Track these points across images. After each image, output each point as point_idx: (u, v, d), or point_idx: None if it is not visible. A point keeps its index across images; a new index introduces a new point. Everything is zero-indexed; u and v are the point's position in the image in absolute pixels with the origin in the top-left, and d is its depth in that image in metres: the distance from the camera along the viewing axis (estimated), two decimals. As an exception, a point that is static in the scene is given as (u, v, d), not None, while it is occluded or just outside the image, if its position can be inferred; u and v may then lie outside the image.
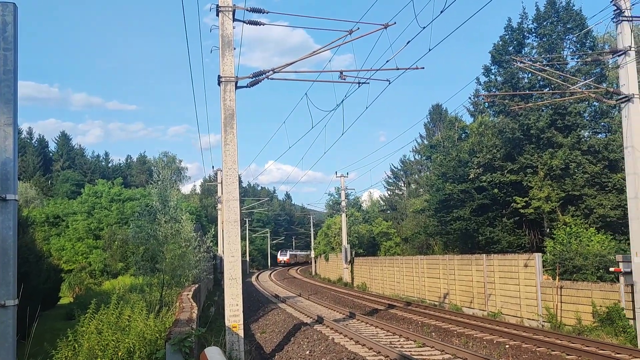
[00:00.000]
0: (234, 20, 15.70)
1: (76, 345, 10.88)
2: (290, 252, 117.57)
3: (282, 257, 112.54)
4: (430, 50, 15.55)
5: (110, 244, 51.90)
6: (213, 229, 36.07)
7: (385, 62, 17.07)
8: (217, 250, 48.97)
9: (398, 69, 16.90)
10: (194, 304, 15.49)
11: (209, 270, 39.65)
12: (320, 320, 23.99)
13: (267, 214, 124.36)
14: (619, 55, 17.30)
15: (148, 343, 10.58)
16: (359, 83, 17.42)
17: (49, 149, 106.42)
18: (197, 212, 72.43)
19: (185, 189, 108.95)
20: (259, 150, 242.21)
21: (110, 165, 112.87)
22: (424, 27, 14.32)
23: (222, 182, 47.69)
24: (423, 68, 17.31)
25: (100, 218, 57.18)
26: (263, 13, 16.13)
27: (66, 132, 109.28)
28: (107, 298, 15.41)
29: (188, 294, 18.98)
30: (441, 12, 13.52)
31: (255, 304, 33.41)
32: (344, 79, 16.84)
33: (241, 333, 14.68)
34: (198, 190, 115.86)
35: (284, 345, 18.79)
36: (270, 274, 79.93)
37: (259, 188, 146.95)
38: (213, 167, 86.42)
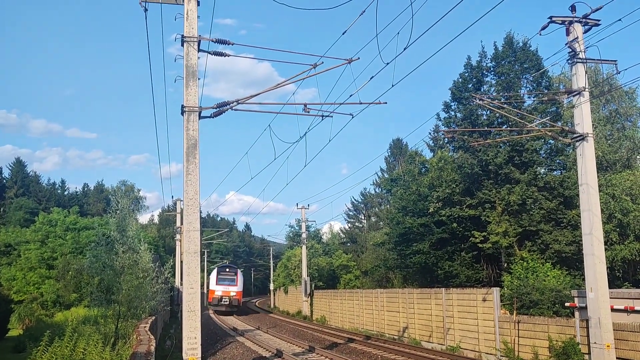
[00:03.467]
0: (199, 50, 15.71)
1: (27, 379, 10.48)
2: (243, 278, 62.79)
3: (220, 288, 57.17)
4: (393, 85, 15.80)
5: (64, 274, 50.41)
6: (171, 260, 35.53)
7: (349, 96, 17.26)
8: (175, 281, 48.10)
9: (361, 103, 17.11)
10: (152, 337, 15.13)
11: (166, 302, 38.90)
12: (279, 354, 23.68)
13: (227, 245, 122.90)
14: (574, 96, 17.85)
15: (103, 377, 10.26)
16: (322, 116, 17.55)
17: (3, 175, 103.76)
18: (155, 243, 71.23)
19: (143, 218, 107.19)
20: (221, 180, 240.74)
21: (66, 193, 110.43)
22: (388, 63, 14.57)
23: (181, 212, 47.20)
24: (386, 103, 17.56)
25: (54, 247, 55.65)
26: (228, 45, 16.17)
27: (22, 159, 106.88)
28: (59, 330, 14.93)
29: (145, 326, 18.54)
30: (404, 48, 13.78)
31: (213, 337, 32.80)
32: (308, 112, 16.95)
33: (199, 367, 14.34)
34: (156, 220, 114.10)
35: (242, 379, 18.45)
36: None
37: (219, 219, 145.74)
38: (173, 196, 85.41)
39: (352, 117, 17.95)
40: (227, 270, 59.81)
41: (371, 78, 16.19)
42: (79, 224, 59.65)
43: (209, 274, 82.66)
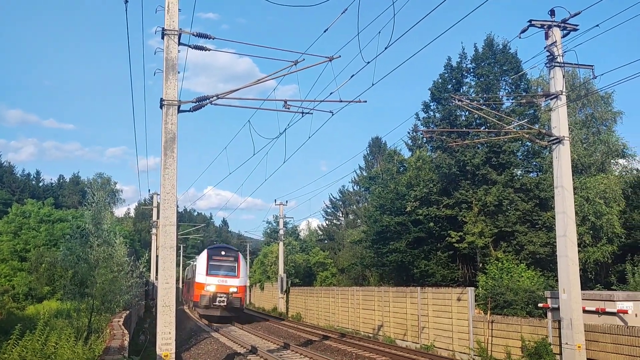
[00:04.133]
0: (180, 44, 15.58)
1: (-4, 373, 10.32)
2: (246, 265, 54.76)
3: (213, 281, 38.94)
4: (373, 84, 15.86)
5: (37, 267, 49.79)
6: (147, 255, 35.28)
7: (330, 94, 17.27)
8: (150, 276, 47.77)
9: (341, 101, 17.14)
10: (126, 331, 15.01)
11: (140, 296, 38.61)
12: (254, 350, 23.64)
13: (203, 240, 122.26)
14: (551, 99, 18.06)
15: (75, 371, 10.13)
16: (302, 113, 17.54)
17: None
18: (131, 237, 70.61)
19: (119, 212, 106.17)
20: (198, 175, 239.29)
21: (41, 184, 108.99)
22: (369, 62, 14.62)
23: (157, 206, 46.86)
24: (365, 101, 17.61)
25: (27, 239, 54.92)
26: (209, 39, 16.09)
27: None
28: (31, 323, 14.73)
29: (119, 321, 18.39)
30: (385, 48, 13.84)
31: (187, 332, 32.62)
32: (288, 108, 16.92)
33: (173, 362, 14.26)
34: (132, 213, 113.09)
35: (216, 375, 18.38)
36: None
37: (196, 213, 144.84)
38: (149, 190, 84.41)
39: (333, 115, 17.99)
40: (224, 253, 40.89)
41: (352, 76, 16.23)
42: (53, 216, 58.93)
43: (184, 269, 75.27)
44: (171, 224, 14.87)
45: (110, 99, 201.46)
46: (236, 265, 39.79)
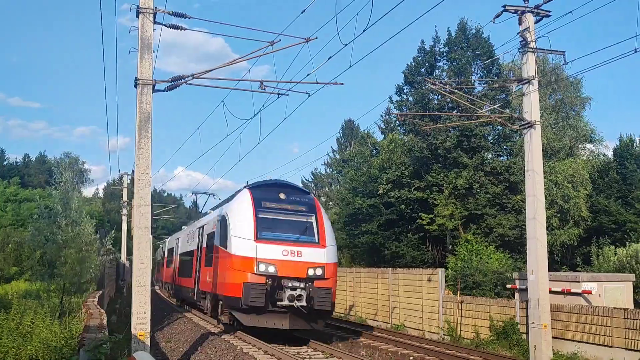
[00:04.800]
0: (155, 22, 15.37)
1: (-29, 353, 10.27)
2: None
3: (274, 253, 17.83)
4: (350, 66, 15.91)
5: (4, 247, 49.03)
6: (113, 232, 34.94)
7: (306, 76, 17.22)
8: (121, 256, 47.42)
9: (318, 83, 17.07)
10: (102, 311, 15.01)
11: (111, 277, 38.37)
12: (228, 330, 23.71)
13: (173, 221, 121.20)
14: (523, 84, 18.34)
15: (53, 350, 10.12)
16: (278, 94, 17.45)
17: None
18: (100, 217, 69.86)
19: (88, 192, 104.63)
20: (169, 155, 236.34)
21: (5, 163, 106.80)
22: (346, 44, 14.64)
23: (127, 187, 46.36)
24: (342, 84, 17.59)
25: (-8, 219, 54.07)
26: (185, 18, 15.87)
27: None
28: (1, 303, 14.64)
29: (93, 301, 18.35)
30: (363, 30, 13.88)
31: (160, 312, 32.50)
32: (264, 89, 16.86)
33: (148, 342, 14.29)
34: (101, 193, 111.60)
35: (190, 354, 18.44)
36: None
37: (166, 194, 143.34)
38: (119, 170, 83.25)
39: (309, 96, 17.93)
40: (283, 197, 20.22)
41: (329, 58, 16.24)
42: (20, 196, 58.07)
43: (154, 250, 69.52)
44: (146, 204, 14.78)
45: (79, 77, 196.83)
46: (314, 219, 20.07)
